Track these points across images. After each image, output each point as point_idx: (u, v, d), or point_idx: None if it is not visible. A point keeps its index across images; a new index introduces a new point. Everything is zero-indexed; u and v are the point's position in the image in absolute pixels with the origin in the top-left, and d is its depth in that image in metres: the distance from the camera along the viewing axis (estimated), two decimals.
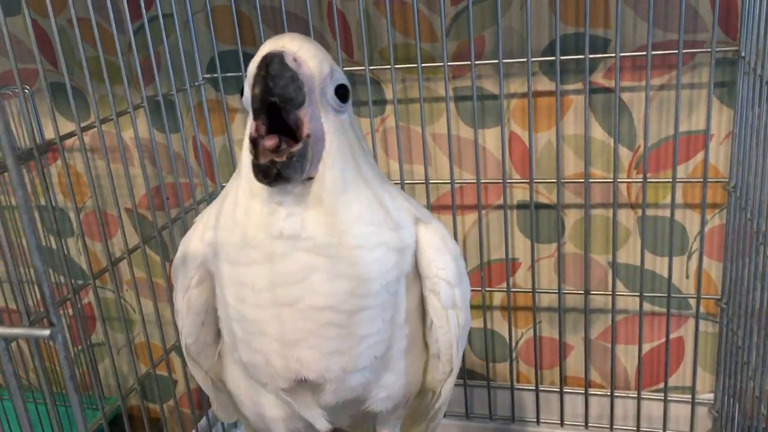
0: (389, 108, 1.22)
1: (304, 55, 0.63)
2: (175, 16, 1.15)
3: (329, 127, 0.65)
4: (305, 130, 0.63)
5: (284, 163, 0.62)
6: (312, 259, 0.65)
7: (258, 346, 0.70)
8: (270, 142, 0.63)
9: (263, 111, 0.62)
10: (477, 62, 1.10)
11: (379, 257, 0.67)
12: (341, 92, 0.66)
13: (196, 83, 1.21)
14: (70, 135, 0.91)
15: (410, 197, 0.78)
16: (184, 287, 0.76)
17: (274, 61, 0.61)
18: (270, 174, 0.63)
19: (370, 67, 1.14)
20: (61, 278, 1.45)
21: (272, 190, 0.65)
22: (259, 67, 0.62)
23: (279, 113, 0.63)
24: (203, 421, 1.25)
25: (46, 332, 0.42)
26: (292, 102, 0.62)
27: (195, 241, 0.75)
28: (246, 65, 1.24)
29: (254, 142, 0.63)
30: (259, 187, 0.65)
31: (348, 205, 0.65)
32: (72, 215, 1.45)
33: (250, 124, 0.64)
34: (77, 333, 1.48)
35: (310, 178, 0.65)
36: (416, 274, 0.73)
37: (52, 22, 0.86)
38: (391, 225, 0.68)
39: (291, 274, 0.66)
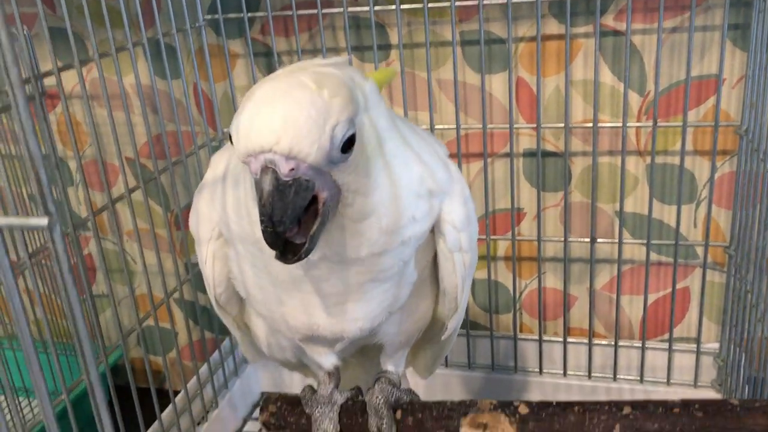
0: (394, 53, 1.20)
1: (297, 145, 0.55)
2: None
3: (343, 177, 0.59)
4: (321, 201, 0.58)
5: (303, 245, 0.59)
6: (333, 265, 0.65)
7: (276, 310, 0.72)
8: (290, 234, 0.58)
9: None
10: (485, 2, 1.08)
11: (398, 254, 0.66)
12: (348, 142, 0.58)
13: (197, 24, 1.18)
14: (68, 67, 0.89)
15: (439, 148, 0.73)
16: (206, 238, 0.74)
17: (273, 200, 0.55)
18: (290, 261, 0.59)
19: (375, 8, 1.11)
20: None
21: None
22: (260, 209, 0.56)
23: None
24: (204, 368, 1.24)
25: (44, 221, 0.40)
26: (303, 206, 0.57)
27: (209, 207, 0.73)
28: (248, 6, 1.22)
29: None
30: None
31: (373, 225, 0.63)
32: (71, 164, 1.44)
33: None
34: (85, 285, 1.47)
35: None
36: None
37: None
38: (420, 213, 0.66)
39: (312, 275, 0.66)
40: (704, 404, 0.73)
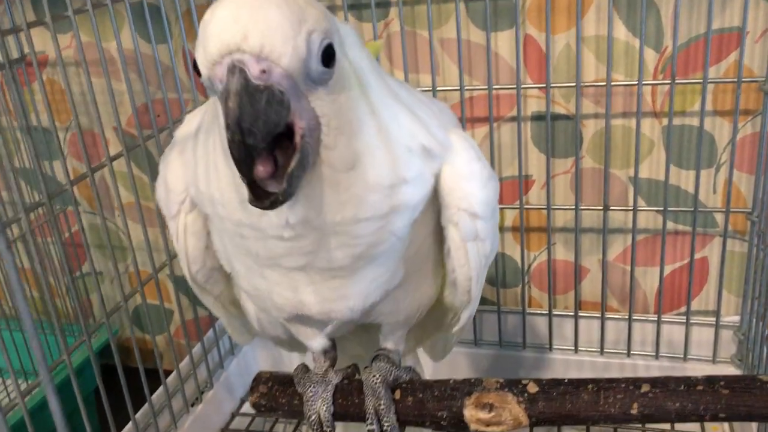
0: (393, 11, 1.13)
1: (269, 43, 0.48)
2: None
3: (323, 107, 0.52)
4: (298, 131, 0.51)
5: (285, 188, 0.51)
6: (322, 234, 0.58)
7: (260, 285, 0.65)
8: (264, 171, 0.51)
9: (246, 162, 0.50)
10: None
11: (389, 224, 0.59)
12: (327, 54, 0.51)
13: None
14: (39, 23, 0.82)
15: (441, 107, 0.68)
16: (174, 212, 0.68)
17: (242, 102, 0.48)
18: (274, 207, 0.52)
19: None
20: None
21: None
22: (227, 114, 0.48)
23: None
24: (198, 347, 1.19)
25: None
26: (278, 126, 0.49)
27: (177, 174, 0.66)
28: None
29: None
30: None
31: (358, 178, 0.55)
32: (60, 137, 1.37)
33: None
34: (65, 263, 1.41)
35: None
36: (434, 196, 0.63)
37: None
38: (412, 173, 0.58)
39: (300, 248, 0.58)
40: (730, 381, 0.66)
